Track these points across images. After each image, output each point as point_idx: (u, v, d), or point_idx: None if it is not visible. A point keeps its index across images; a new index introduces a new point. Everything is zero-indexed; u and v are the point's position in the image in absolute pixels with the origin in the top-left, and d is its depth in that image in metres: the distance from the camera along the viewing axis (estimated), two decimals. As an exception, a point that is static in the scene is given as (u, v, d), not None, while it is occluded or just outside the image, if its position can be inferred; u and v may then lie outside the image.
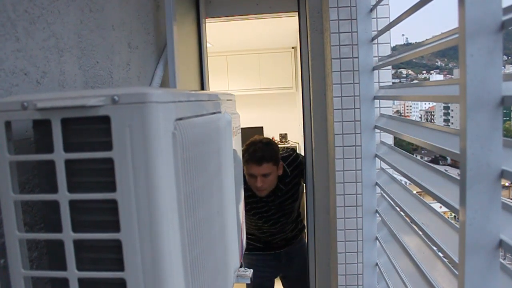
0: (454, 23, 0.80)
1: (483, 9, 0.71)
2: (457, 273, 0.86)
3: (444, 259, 1.03)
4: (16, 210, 0.65)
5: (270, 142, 2.34)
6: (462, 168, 0.74)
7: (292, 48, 5.87)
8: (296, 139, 6.20)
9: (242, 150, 2.17)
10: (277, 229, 2.48)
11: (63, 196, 0.63)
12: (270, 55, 5.90)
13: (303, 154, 2.49)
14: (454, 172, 1.04)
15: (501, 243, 0.72)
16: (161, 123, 0.61)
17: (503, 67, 0.73)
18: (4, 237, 0.67)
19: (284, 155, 2.48)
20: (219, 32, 4.03)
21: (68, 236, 0.63)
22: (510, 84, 0.72)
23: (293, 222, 2.55)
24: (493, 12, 0.71)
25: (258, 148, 2.24)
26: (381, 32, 1.53)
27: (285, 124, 6.39)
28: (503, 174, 0.71)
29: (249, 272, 1.29)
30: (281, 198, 2.40)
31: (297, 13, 2.45)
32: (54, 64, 1.00)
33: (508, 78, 0.72)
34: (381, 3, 1.54)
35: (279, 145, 6.22)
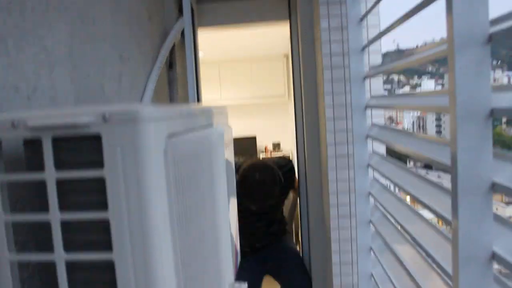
0: (444, 28, 0.80)
1: (471, 21, 0.72)
2: (451, 283, 0.86)
3: (438, 270, 1.03)
4: (6, 230, 0.64)
5: (264, 181, 2.21)
6: (453, 180, 0.74)
7: (284, 56, 5.89)
8: (290, 148, 6.21)
9: (238, 176, 2.13)
10: (260, 233, 2.48)
11: (55, 216, 0.62)
12: (262, 63, 5.92)
13: (296, 163, 2.49)
14: (447, 177, 1.05)
15: (494, 256, 0.72)
16: (153, 140, 0.61)
17: (492, 71, 0.74)
18: (-5, 256, 0.66)
19: (281, 163, 2.48)
20: (211, 41, 4.04)
21: (59, 256, 0.63)
22: (499, 95, 0.72)
23: (276, 224, 2.55)
24: (481, 23, 0.72)
25: (255, 189, 2.17)
26: (372, 41, 1.55)
27: (278, 133, 6.40)
28: (494, 187, 0.71)
29: (244, 286, 1.28)
30: (270, 206, 2.40)
31: (288, 21, 2.46)
32: (45, 78, 1.00)
33: (497, 90, 0.72)
34: (372, 12, 1.55)
35: (272, 154, 6.23)
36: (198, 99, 2.45)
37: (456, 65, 0.72)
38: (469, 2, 0.72)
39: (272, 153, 6.33)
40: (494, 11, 0.77)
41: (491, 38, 0.71)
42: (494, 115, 0.71)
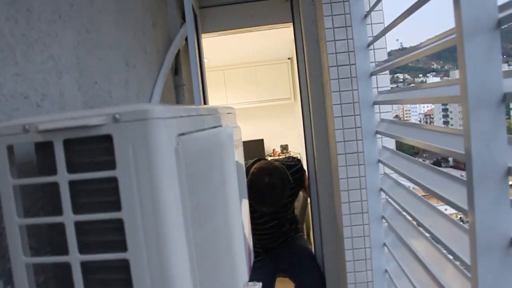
0: (447, 26, 0.81)
1: (478, 8, 0.71)
2: (469, 274, 0.85)
3: (454, 261, 1.02)
4: (21, 234, 0.64)
5: (274, 184, 2.17)
6: (468, 168, 0.73)
7: (288, 59, 5.90)
8: (297, 150, 6.20)
9: (247, 180, 2.11)
10: (272, 233, 2.47)
11: (69, 218, 0.62)
12: (266, 67, 5.93)
13: (305, 163, 2.48)
14: (457, 174, 1.04)
15: (512, 242, 0.71)
16: (164, 139, 0.61)
17: (500, 66, 0.73)
18: (10, 262, 0.66)
19: (290, 163, 2.47)
20: (215, 47, 4.05)
21: (75, 258, 0.63)
22: (511, 80, 0.71)
23: (288, 223, 2.54)
24: (489, 10, 0.71)
25: (265, 193, 2.15)
26: (377, 37, 1.54)
27: (286, 135, 6.40)
28: (510, 171, 0.71)
29: (258, 285, 1.27)
30: (281, 207, 2.39)
31: (291, 23, 2.46)
32: (53, 86, 1.00)
33: (509, 75, 0.72)
34: (375, 9, 1.54)
35: (281, 156, 6.23)
36: (205, 104, 2.45)
37: (466, 53, 0.71)
38: (476, -12, 0.71)
39: (280, 155, 6.33)
40: (501, -3, 0.77)
41: (500, 24, 0.71)
42: (506, 99, 0.70)
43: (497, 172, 0.71)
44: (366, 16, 1.59)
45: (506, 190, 0.71)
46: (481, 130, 0.71)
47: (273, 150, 6.51)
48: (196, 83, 1.92)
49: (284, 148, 6.45)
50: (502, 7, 0.71)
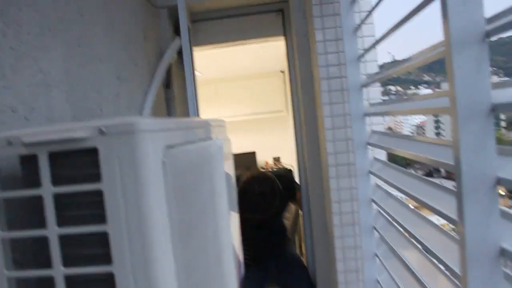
0: (439, 38, 0.81)
1: (466, 20, 0.72)
2: (460, 285, 0.84)
3: (446, 272, 1.01)
4: (4, 247, 0.63)
5: (264, 193, 2.22)
6: (458, 179, 0.73)
7: (282, 72, 5.92)
8: (290, 162, 6.19)
9: (238, 189, 2.13)
10: (262, 242, 2.46)
11: (53, 231, 0.61)
12: (259, 80, 5.94)
13: (297, 174, 2.48)
14: (449, 185, 1.04)
15: (503, 252, 0.71)
16: (150, 152, 0.60)
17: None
18: (-5, 278, 0.65)
19: (280, 173, 2.47)
20: (208, 60, 4.06)
21: (58, 271, 0.61)
22: (499, 92, 0.72)
23: (278, 233, 2.53)
24: (476, 22, 0.71)
25: (255, 201, 2.18)
26: (367, 50, 1.55)
27: (278, 148, 6.38)
28: (499, 181, 0.70)
29: (250, 299, 1.26)
30: (271, 217, 2.39)
31: (283, 37, 2.48)
32: (42, 99, 0.99)
33: (497, 86, 0.72)
34: (366, 22, 1.55)
35: (274, 168, 6.22)
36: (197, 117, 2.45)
37: (454, 65, 0.71)
38: (463, 1, 0.72)
39: (273, 167, 6.31)
40: (490, 10, 0.77)
41: (488, 35, 0.71)
42: (495, 111, 0.70)
43: (486, 183, 0.71)
44: (357, 29, 1.61)
45: (495, 201, 0.71)
46: (470, 141, 0.71)
47: (266, 162, 6.50)
48: (191, 95, 1.92)
49: (277, 160, 6.43)
50: (490, 20, 0.71)
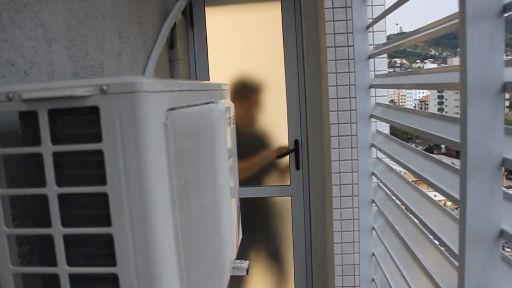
0: (448, 12, 0.79)
1: (483, -7, 0.69)
2: (455, 262, 0.84)
3: (441, 248, 1.01)
4: (3, 205, 0.63)
5: None
6: (463, 157, 0.72)
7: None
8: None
9: None
10: None
11: (52, 190, 0.61)
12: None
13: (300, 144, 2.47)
14: (448, 161, 1.03)
15: (502, 233, 0.71)
16: (152, 113, 0.59)
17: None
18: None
19: None
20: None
21: (57, 231, 0.61)
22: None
23: None
24: (494, -5, 0.69)
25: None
26: (377, 19, 1.51)
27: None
28: (504, 162, 0.69)
29: (245, 264, 1.27)
30: None
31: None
32: (42, 54, 0.97)
33: (510, 64, 0.70)
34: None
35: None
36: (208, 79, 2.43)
37: (468, 38, 0.69)
38: (481, -27, 0.69)
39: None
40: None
41: (505, 10, 0.69)
42: (506, 89, 0.68)
43: (491, 163, 0.70)
44: (367, -3, 1.56)
45: (499, 181, 0.71)
46: (478, 119, 0.70)
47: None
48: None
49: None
50: (508, -7, 0.69)
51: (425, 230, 1.10)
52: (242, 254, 1.45)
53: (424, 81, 1.08)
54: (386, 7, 1.58)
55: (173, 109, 0.67)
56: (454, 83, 0.78)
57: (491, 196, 0.71)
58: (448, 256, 0.97)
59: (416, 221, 1.18)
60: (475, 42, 0.68)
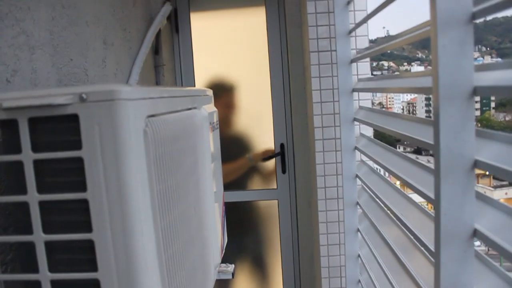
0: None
1: (453, 1, 0.71)
2: (433, 261, 0.86)
3: (422, 249, 1.04)
4: (-16, 212, 0.63)
5: None
6: (436, 159, 0.74)
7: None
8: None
9: None
10: None
11: (33, 197, 0.61)
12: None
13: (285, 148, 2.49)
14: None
15: (475, 233, 0.73)
16: (131, 120, 0.60)
17: (481, 58, 0.73)
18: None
19: None
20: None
21: (39, 237, 0.62)
22: (482, 74, 0.72)
23: None
24: (463, 3, 0.71)
25: None
26: (359, 24, 1.54)
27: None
28: (476, 164, 0.72)
29: (231, 267, 1.29)
30: None
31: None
32: (25, 62, 0.98)
33: (480, 69, 0.72)
34: (358, -4, 1.54)
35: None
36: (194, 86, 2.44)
37: (439, 45, 0.71)
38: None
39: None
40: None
41: (474, 17, 0.71)
42: (477, 93, 0.71)
43: (464, 164, 0.72)
44: (349, 2, 1.59)
45: (472, 182, 0.73)
46: (450, 122, 0.72)
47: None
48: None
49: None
50: (477, 1, 0.71)
51: (406, 231, 1.12)
52: (229, 258, 1.46)
53: (402, 85, 1.10)
54: (368, 12, 1.61)
55: (153, 115, 0.68)
56: (427, 88, 0.81)
57: (464, 196, 0.73)
58: (428, 255, 0.99)
59: (398, 222, 1.20)
60: (446, 47, 0.70)
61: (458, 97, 0.71)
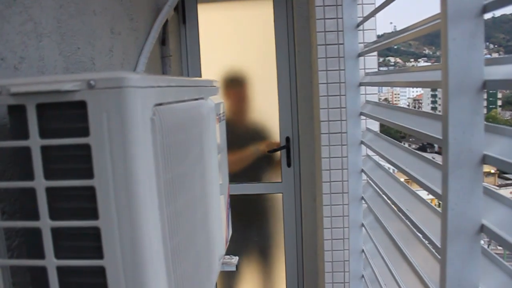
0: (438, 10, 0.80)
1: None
2: (439, 257, 0.86)
3: (428, 245, 1.03)
4: (-9, 198, 0.64)
5: None
6: (444, 153, 0.74)
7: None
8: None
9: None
10: None
11: (40, 183, 0.61)
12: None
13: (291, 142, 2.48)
14: (440, 160, 1.04)
15: (482, 228, 0.72)
16: (139, 108, 0.60)
17: (489, 56, 0.72)
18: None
19: None
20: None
21: (45, 224, 0.62)
22: (492, 68, 0.71)
23: None
24: (474, -5, 0.70)
25: None
26: (366, 18, 1.53)
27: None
28: (484, 159, 0.71)
29: (235, 259, 1.29)
30: None
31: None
32: (32, 49, 0.98)
33: (490, 63, 0.72)
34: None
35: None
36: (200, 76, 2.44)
37: (449, 37, 0.71)
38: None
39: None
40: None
41: (485, 10, 0.70)
42: (486, 87, 0.70)
43: (472, 159, 0.72)
44: (357, -5, 1.58)
45: (479, 178, 0.72)
46: (459, 116, 0.71)
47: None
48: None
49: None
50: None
51: (411, 226, 1.11)
52: (233, 250, 1.46)
53: (411, 79, 1.09)
54: (376, 6, 1.60)
55: (160, 104, 0.68)
56: (436, 81, 0.80)
57: (472, 191, 0.72)
58: (434, 251, 0.99)
59: (404, 218, 1.19)
60: (456, 41, 0.70)
61: (468, 91, 0.70)
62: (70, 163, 0.62)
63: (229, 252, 1.29)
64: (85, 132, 0.60)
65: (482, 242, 0.76)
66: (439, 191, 0.81)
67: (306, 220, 2.33)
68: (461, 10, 0.69)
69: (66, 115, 0.61)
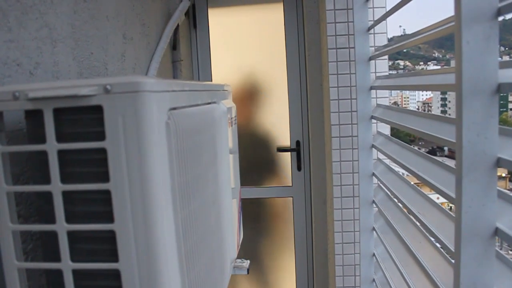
0: (450, 14, 0.80)
1: (479, -5, 0.70)
2: (453, 261, 0.86)
3: (441, 249, 1.03)
4: (9, 201, 0.64)
5: None
6: (458, 156, 0.74)
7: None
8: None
9: None
10: None
11: (56, 187, 0.62)
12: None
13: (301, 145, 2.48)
14: (451, 164, 1.04)
15: (497, 231, 0.72)
16: (155, 112, 0.61)
17: (500, 58, 0.72)
18: (-2, 228, 0.66)
19: None
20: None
21: (61, 227, 0.63)
22: (506, 71, 0.71)
23: None
24: (489, -1, 0.70)
25: None
26: (377, 21, 1.53)
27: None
28: (499, 162, 0.71)
29: (246, 263, 1.29)
30: None
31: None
32: (47, 55, 0.99)
33: (504, 66, 0.71)
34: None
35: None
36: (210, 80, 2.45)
37: (463, 40, 0.71)
38: (477, -24, 0.70)
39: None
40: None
41: (499, 13, 0.70)
42: (501, 90, 0.70)
43: (486, 162, 0.72)
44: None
45: (494, 181, 0.72)
46: (473, 119, 0.71)
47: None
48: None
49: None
50: (503, -4, 0.70)
51: (423, 230, 1.11)
52: (243, 254, 1.46)
53: (423, 83, 1.09)
54: (388, 9, 1.60)
55: (174, 108, 0.68)
56: (450, 84, 0.80)
57: (486, 194, 0.72)
58: (446, 255, 0.99)
59: (416, 221, 1.19)
60: (470, 44, 0.70)
61: (482, 94, 0.70)
62: (86, 167, 0.63)
63: (239, 255, 1.29)
64: (101, 136, 0.60)
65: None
66: (452, 194, 0.80)
67: (316, 224, 2.33)
68: (475, 13, 0.69)
69: (82, 120, 0.62)
